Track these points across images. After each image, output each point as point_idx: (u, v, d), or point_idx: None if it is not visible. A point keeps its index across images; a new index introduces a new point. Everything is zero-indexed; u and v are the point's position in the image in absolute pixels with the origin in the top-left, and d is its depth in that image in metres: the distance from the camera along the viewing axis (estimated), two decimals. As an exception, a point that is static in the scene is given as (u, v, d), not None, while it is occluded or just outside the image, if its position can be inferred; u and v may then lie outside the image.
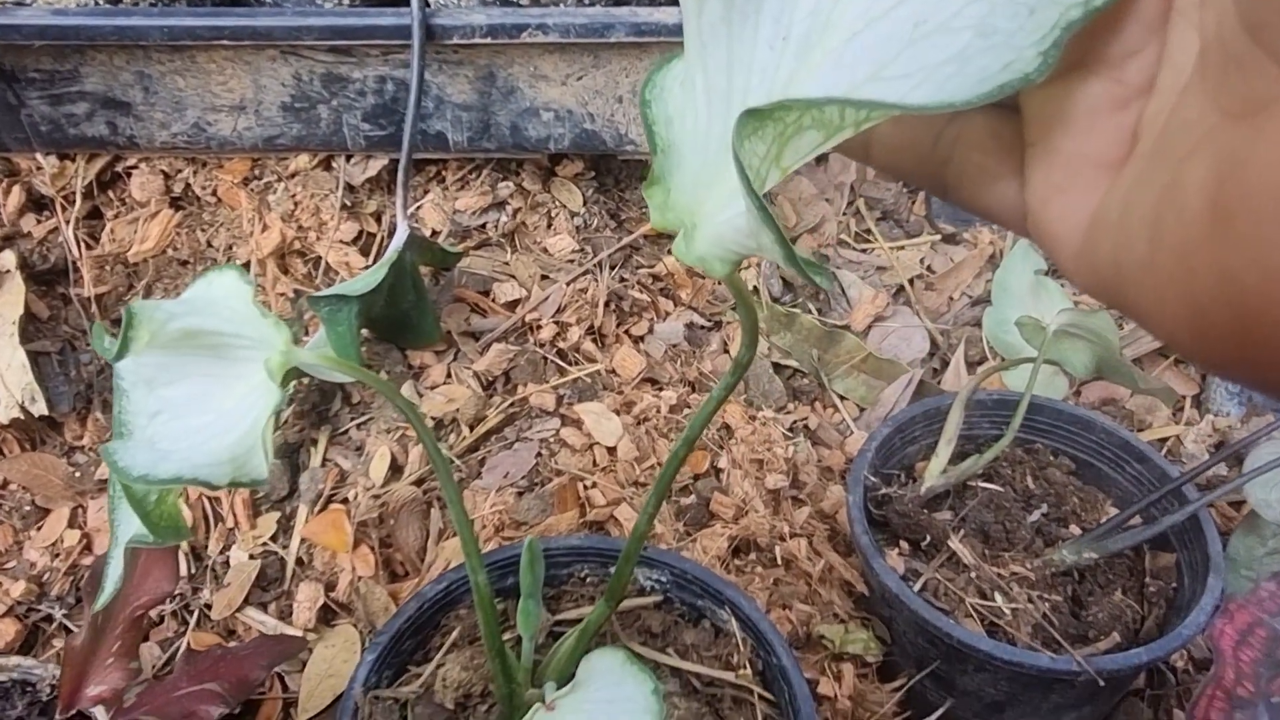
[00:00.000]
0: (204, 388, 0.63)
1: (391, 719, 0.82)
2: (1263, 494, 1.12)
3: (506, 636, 0.79)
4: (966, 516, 1.15)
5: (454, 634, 0.89)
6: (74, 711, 0.89)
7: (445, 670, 0.85)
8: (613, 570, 0.94)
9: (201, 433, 0.59)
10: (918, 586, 1.07)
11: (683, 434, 0.60)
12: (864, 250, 1.71)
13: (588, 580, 0.95)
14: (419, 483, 1.18)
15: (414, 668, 0.88)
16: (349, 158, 1.30)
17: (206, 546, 1.19)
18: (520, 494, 1.15)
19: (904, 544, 1.13)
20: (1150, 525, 1.08)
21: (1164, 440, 1.45)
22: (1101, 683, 0.94)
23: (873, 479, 1.14)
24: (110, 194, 1.28)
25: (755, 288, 1.51)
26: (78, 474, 1.23)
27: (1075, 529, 1.15)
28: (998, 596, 1.06)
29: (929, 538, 1.11)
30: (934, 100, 0.31)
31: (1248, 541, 1.20)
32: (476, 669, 0.86)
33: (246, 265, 1.26)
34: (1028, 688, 1.01)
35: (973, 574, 1.08)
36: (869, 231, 1.74)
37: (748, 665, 0.87)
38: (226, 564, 1.18)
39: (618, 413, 1.22)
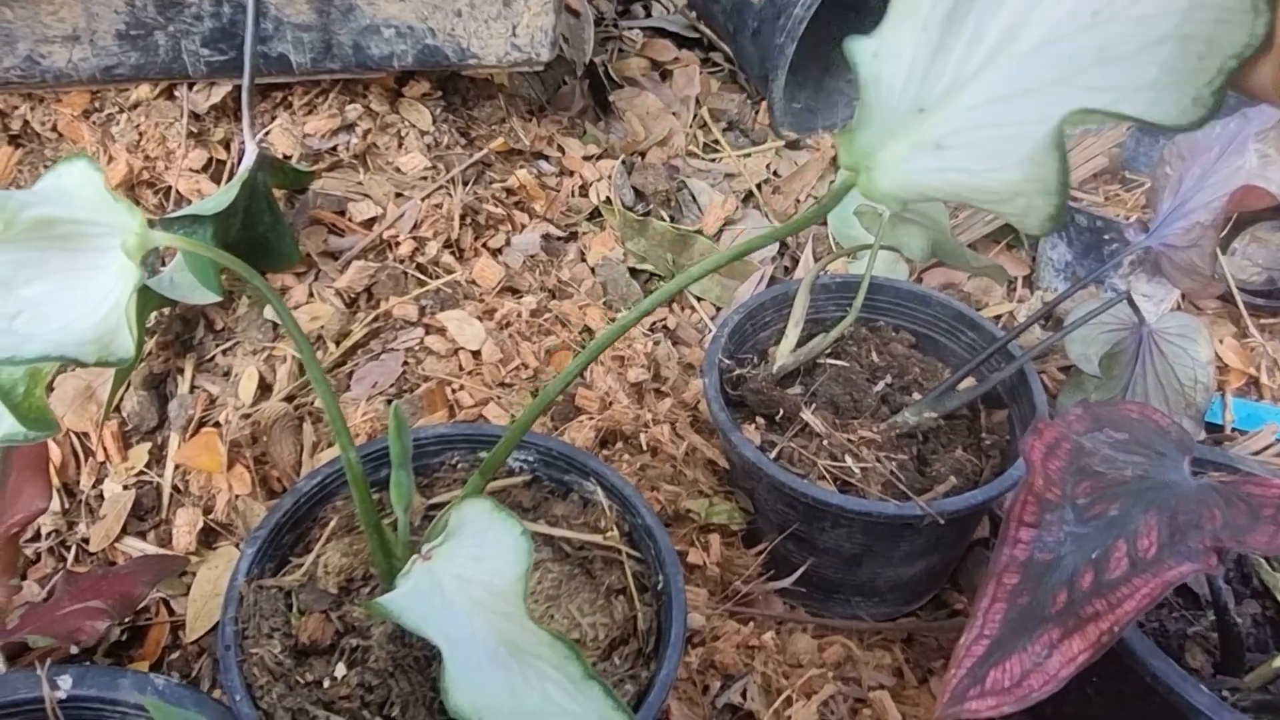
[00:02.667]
0: (63, 283, 0.64)
1: (277, 606, 0.85)
2: (1081, 349, 1.21)
3: (384, 523, 0.82)
4: (817, 391, 1.22)
5: (331, 524, 0.91)
6: (-44, 634, 0.90)
7: (326, 558, 0.89)
8: (483, 456, 0.98)
9: (66, 315, 0.61)
10: (774, 455, 1.13)
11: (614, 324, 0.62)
12: (712, 160, 1.77)
13: (459, 466, 0.98)
14: (289, 399, 1.19)
15: (295, 559, 0.90)
16: (191, 85, 1.29)
17: (79, 482, 1.18)
18: (389, 401, 1.18)
19: (760, 419, 1.19)
20: (982, 383, 1.17)
21: (999, 317, 1.55)
22: (942, 522, 1.03)
23: (727, 361, 1.20)
24: (-55, 136, 1.26)
25: (608, 198, 1.55)
26: (-63, 420, 1.21)
27: (918, 396, 1.23)
28: (848, 459, 1.13)
29: (782, 411, 1.18)
30: (1144, 116, 0.46)
31: (1073, 396, 1.30)
32: (356, 554, 0.89)
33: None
34: (880, 538, 1.09)
35: (824, 441, 1.15)
36: (716, 142, 1.80)
37: (615, 528, 0.92)
38: (101, 497, 1.18)
39: (480, 319, 1.25)
